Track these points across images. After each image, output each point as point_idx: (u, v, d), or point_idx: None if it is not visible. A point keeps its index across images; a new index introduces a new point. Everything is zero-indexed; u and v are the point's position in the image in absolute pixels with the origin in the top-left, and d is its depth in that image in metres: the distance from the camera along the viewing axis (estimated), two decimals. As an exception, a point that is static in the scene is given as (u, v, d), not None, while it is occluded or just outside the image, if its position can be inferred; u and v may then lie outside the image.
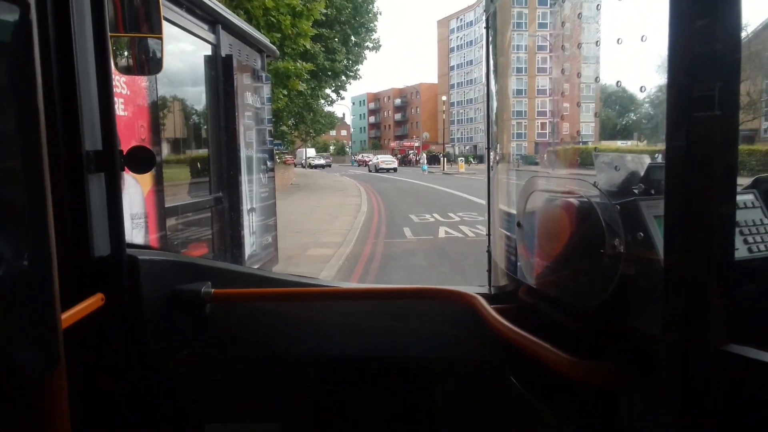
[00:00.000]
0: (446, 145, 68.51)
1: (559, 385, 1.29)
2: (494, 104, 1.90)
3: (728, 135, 0.89)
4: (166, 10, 3.89)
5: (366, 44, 31.26)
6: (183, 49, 4.82)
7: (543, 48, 2.02)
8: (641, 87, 1.25)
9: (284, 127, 26.87)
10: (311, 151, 73.77)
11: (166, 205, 4.21)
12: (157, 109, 4.19)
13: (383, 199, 23.06)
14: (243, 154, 5.61)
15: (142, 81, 3.84)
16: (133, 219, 3.66)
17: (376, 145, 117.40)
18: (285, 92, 19.66)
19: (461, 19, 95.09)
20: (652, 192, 1.21)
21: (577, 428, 1.36)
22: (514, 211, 1.59)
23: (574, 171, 1.59)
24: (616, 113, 1.74)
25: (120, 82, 3.52)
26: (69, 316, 1.38)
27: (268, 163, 6.58)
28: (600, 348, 1.19)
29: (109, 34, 1.63)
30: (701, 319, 0.93)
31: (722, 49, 0.88)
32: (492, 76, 1.91)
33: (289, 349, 1.96)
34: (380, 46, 32.02)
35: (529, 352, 1.29)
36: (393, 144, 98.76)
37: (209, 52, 5.13)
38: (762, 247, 1.25)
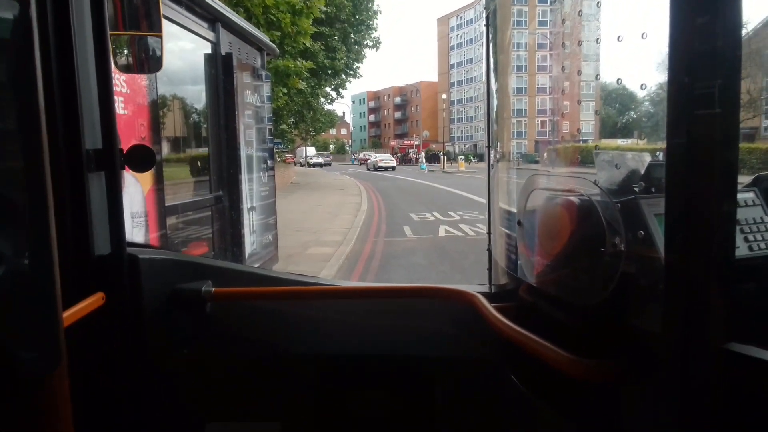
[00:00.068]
0: (446, 144, 68.53)
1: (559, 383, 1.29)
2: (494, 102, 1.90)
3: (729, 133, 0.89)
4: (166, 8, 3.89)
5: (366, 42, 31.25)
6: (183, 48, 4.81)
7: (543, 46, 2.02)
8: (642, 85, 1.25)
9: (284, 126, 26.85)
10: (311, 150, 73.72)
11: (166, 204, 4.21)
12: (157, 107, 4.18)
13: (383, 198, 23.06)
14: (243, 152, 5.60)
15: (142, 79, 3.83)
16: (133, 218, 3.66)
17: (376, 144, 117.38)
18: (285, 90, 19.65)
19: (461, 17, 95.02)
20: (653, 190, 1.21)
21: (578, 427, 1.36)
22: (514, 210, 1.59)
23: (575, 169, 1.59)
24: (617, 111, 1.74)
25: (120, 80, 3.52)
26: (69, 315, 1.38)
27: (268, 162, 6.58)
28: (600, 346, 1.18)
29: (109, 32, 1.63)
30: (702, 318, 0.93)
31: (723, 47, 0.88)
32: (492, 74, 1.91)
33: (290, 347, 1.96)
34: (380, 44, 32.02)
35: (530, 350, 1.29)
36: (393, 142, 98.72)
37: (209, 51, 5.12)
38: (762, 245, 1.25)
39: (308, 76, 21.80)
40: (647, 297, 1.11)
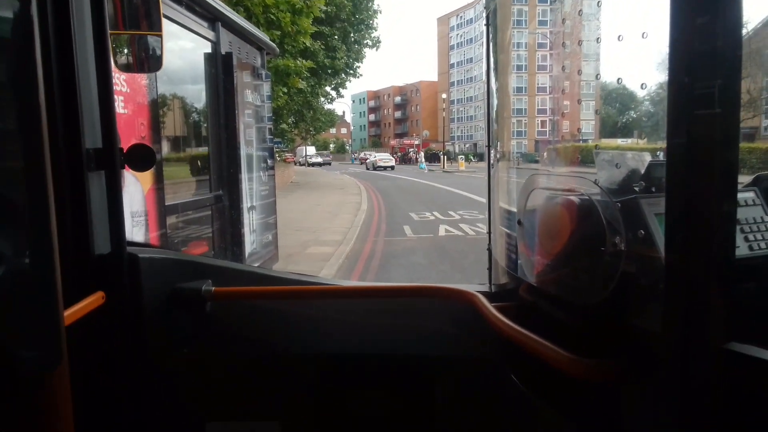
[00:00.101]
0: (446, 143, 68.51)
1: (559, 383, 1.29)
2: (494, 102, 1.90)
3: (729, 133, 0.89)
4: (166, 7, 3.89)
5: (366, 42, 31.23)
6: (183, 47, 4.81)
7: (543, 45, 2.02)
8: (642, 84, 1.25)
9: (284, 125, 26.86)
10: (311, 149, 73.65)
11: (166, 203, 4.21)
12: (157, 107, 4.18)
13: (383, 197, 23.05)
14: (243, 152, 5.60)
15: (142, 79, 3.83)
16: (133, 217, 3.66)
17: (376, 143, 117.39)
18: (285, 90, 19.64)
19: (461, 17, 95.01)
20: (653, 190, 1.21)
21: (578, 426, 1.36)
22: (514, 209, 1.59)
23: (575, 169, 1.59)
24: (617, 111, 1.73)
25: (120, 79, 3.51)
26: (69, 314, 1.38)
27: (268, 161, 6.57)
28: (600, 346, 1.18)
29: (109, 31, 1.63)
30: (702, 317, 0.93)
31: (723, 47, 0.88)
32: (492, 73, 1.91)
33: (290, 347, 1.96)
34: (379, 43, 32.00)
35: (530, 350, 1.29)
36: (393, 142, 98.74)
37: (209, 50, 5.12)
38: (763, 244, 1.25)
39: (308, 75, 21.80)
40: (647, 296, 1.11)
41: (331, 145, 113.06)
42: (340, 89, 32.44)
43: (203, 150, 5.29)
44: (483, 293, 1.68)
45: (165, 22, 1.96)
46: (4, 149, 0.95)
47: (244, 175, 5.64)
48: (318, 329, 1.95)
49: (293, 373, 1.95)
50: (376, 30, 31.78)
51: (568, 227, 1.31)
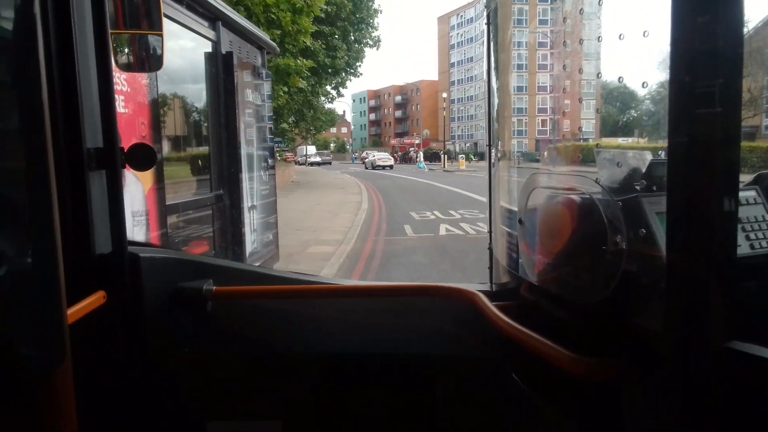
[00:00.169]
0: (447, 143, 68.51)
1: (560, 382, 1.29)
2: (495, 101, 1.90)
3: (730, 132, 0.89)
4: (167, 6, 3.89)
5: (366, 41, 31.21)
6: (183, 46, 4.81)
7: (544, 44, 2.02)
8: (643, 83, 1.24)
9: (285, 125, 26.85)
10: (311, 149, 73.59)
11: (167, 203, 4.21)
12: (157, 106, 4.18)
13: (384, 197, 23.05)
14: (244, 151, 5.60)
15: (143, 78, 3.83)
16: (134, 216, 3.66)
17: (377, 143, 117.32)
18: (285, 89, 19.65)
19: (461, 16, 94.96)
20: (654, 189, 1.21)
21: (579, 425, 1.36)
22: (515, 208, 1.59)
23: (576, 168, 1.59)
24: (617, 110, 1.73)
25: (120, 79, 3.51)
26: (70, 313, 1.38)
27: (269, 161, 6.57)
28: (602, 345, 1.18)
29: (110, 31, 1.63)
30: (703, 316, 0.93)
31: (724, 46, 0.88)
32: (493, 72, 1.91)
33: (291, 346, 1.96)
34: (380, 42, 31.96)
35: (531, 349, 1.29)
36: (393, 141, 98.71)
37: (209, 49, 5.12)
38: (764, 243, 1.25)
39: (308, 74, 21.79)
40: (649, 295, 1.11)
41: (332, 145, 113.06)
42: (341, 88, 32.43)
43: (204, 149, 5.30)
44: (484, 292, 1.68)
45: (165, 21, 1.96)
46: (7, 149, 0.95)
47: (244, 175, 5.64)
48: (319, 328, 1.95)
49: (294, 372, 1.95)
50: (376, 29, 31.79)
51: (569, 226, 1.31)
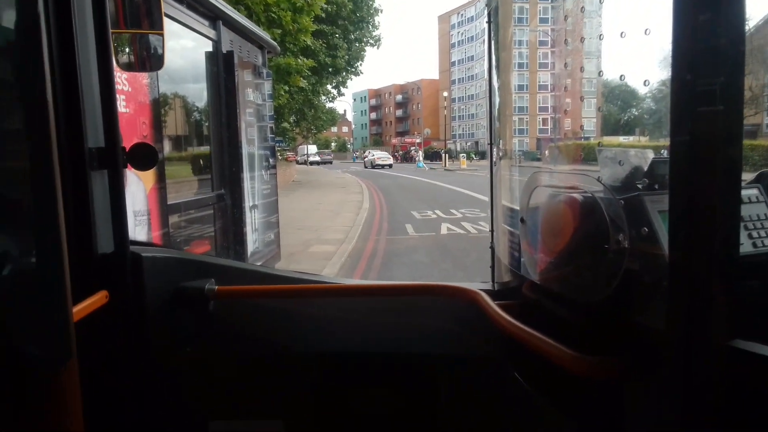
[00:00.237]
0: (448, 142, 68.50)
1: (562, 380, 1.29)
2: (496, 100, 1.89)
3: (732, 130, 0.89)
4: (167, 6, 3.89)
5: (367, 40, 31.17)
6: (184, 46, 4.81)
7: (545, 43, 2.02)
8: (645, 81, 1.24)
9: (286, 124, 26.83)
10: (312, 148, 73.65)
11: (168, 202, 4.21)
12: (158, 105, 4.18)
13: (385, 196, 23.04)
14: (245, 150, 5.60)
15: (144, 78, 3.83)
16: (135, 216, 3.66)
17: (378, 142, 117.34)
18: (286, 88, 19.64)
19: (462, 15, 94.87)
20: (656, 187, 1.21)
21: (581, 424, 1.36)
22: (517, 207, 1.59)
23: (577, 166, 1.59)
24: (619, 108, 1.73)
25: (121, 78, 3.52)
26: (73, 313, 1.38)
27: (270, 160, 6.57)
28: (604, 343, 1.18)
29: (111, 30, 1.63)
30: (705, 315, 0.92)
31: (726, 44, 0.88)
32: (494, 71, 1.91)
33: (293, 345, 1.96)
34: (380, 41, 31.92)
35: (533, 348, 1.29)
36: (395, 140, 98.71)
37: (210, 49, 5.12)
38: (767, 242, 1.24)
39: (309, 74, 21.78)
40: (651, 294, 1.11)
41: (333, 144, 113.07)
42: (342, 87, 32.42)
43: (205, 149, 5.30)
44: (486, 291, 1.68)
45: (166, 20, 1.96)
46: (11, 149, 0.95)
47: (245, 174, 5.64)
48: (321, 328, 1.95)
49: (296, 371, 1.95)
50: (377, 28, 31.76)
51: (571, 225, 1.31)
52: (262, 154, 6.26)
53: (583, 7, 1.44)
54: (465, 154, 56.75)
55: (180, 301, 1.78)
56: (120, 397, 1.70)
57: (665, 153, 1.18)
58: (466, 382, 1.90)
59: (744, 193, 1.27)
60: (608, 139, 1.68)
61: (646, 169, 1.27)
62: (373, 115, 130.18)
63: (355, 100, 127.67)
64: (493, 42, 1.89)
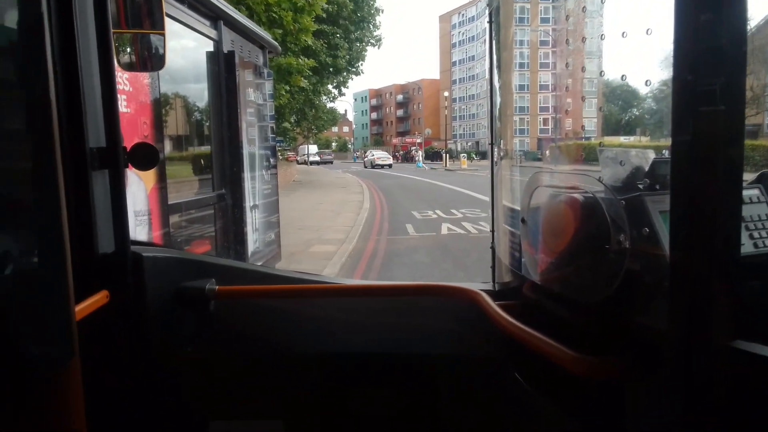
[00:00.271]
0: (448, 142, 68.54)
1: (563, 381, 1.29)
2: (497, 100, 1.89)
3: (733, 130, 0.89)
4: (168, 6, 3.89)
5: (368, 40, 31.16)
6: (185, 46, 4.81)
7: (546, 43, 2.02)
8: (646, 81, 1.24)
9: (286, 124, 26.83)
10: (313, 148, 73.71)
11: (169, 202, 4.21)
12: (159, 105, 4.19)
13: (385, 196, 23.04)
14: (245, 150, 5.60)
15: (145, 78, 3.83)
16: (136, 216, 3.66)
17: (379, 142, 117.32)
18: (287, 88, 19.64)
19: (463, 15, 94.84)
20: (657, 187, 1.21)
21: (582, 424, 1.36)
22: (518, 207, 1.59)
23: (578, 166, 1.59)
24: (620, 108, 1.73)
25: (122, 78, 3.52)
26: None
27: (271, 160, 6.58)
28: (604, 344, 1.18)
29: (112, 30, 1.63)
30: (707, 315, 0.92)
31: (727, 43, 0.88)
32: (495, 71, 1.90)
33: (293, 345, 1.96)
34: (381, 41, 31.90)
35: (534, 348, 1.29)
36: (395, 140, 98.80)
37: (211, 49, 5.12)
38: None
39: (310, 73, 21.78)
40: (652, 294, 1.11)
41: (334, 144, 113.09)
42: (342, 87, 32.41)
43: (206, 149, 5.30)
44: (486, 291, 1.68)
45: (167, 20, 1.96)
46: (14, 149, 0.95)
47: (246, 174, 5.64)
48: (321, 328, 1.95)
49: (297, 371, 1.95)
50: (378, 28, 31.74)
51: (572, 225, 1.31)
52: (263, 154, 6.26)
53: (584, 7, 1.43)
54: (466, 154, 56.81)
55: (180, 301, 1.78)
56: (120, 397, 1.70)
57: (666, 153, 1.18)
58: (467, 382, 1.89)
59: (745, 193, 1.27)
60: (609, 139, 1.68)
61: (647, 169, 1.27)
62: (374, 115, 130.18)
63: (356, 99, 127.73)
64: (494, 42, 1.89)
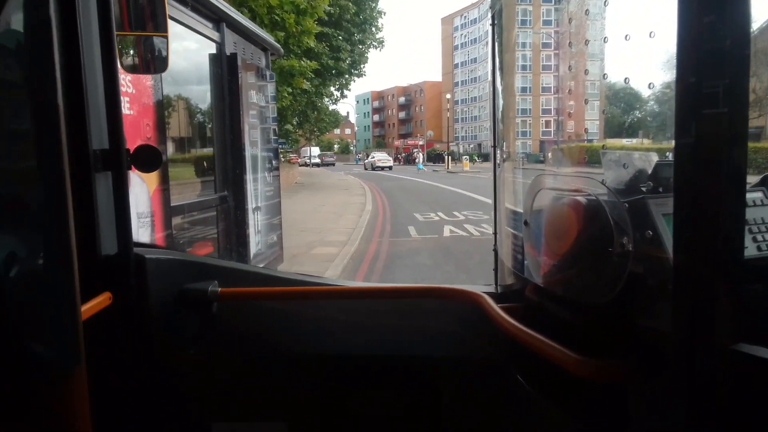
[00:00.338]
0: (450, 144, 68.58)
1: (566, 383, 1.28)
2: (500, 102, 1.90)
3: (737, 132, 0.89)
4: (171, 8, 3.89)
5: (370, 42, 31.18)
6: (188, 48, 4.82)
7: (548, 45, 2.02)
8: (649, 84, 1.24)
9: (288, 126, 26.85)
10: (315, 150, 73.76)
11: (171, 204, 4.22)
12: (162, 107, 4.20)
13: (388, 198, 23.04)
14: (248, 152, 5.61)
15: (148, 80, 3.84)
16: (139, 218, 3.67)
17: (381, 144, 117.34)
18: (289, 90, 19.66)
19: (465, 17, 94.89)
20: (661, 190, 1.21)
21: (585, 427, 1.36)
22: (520, 210, 1.59)
23: (581, 169, 1.59)
24: (622, 111, 1.73)
25: (126, 80, 3.53)
26: None
27: (273, 162, 6.59)
28: (607, 346, 1.18)
29: (115, 33, 1.64)
30: (709, 318, 0.92)
31: (730, 46, 0.88)
32: (498, 73, 1.91)
33: (295, 347, 1.96)
34: (383, 43, 31.92)
35: (536, 350, 1.29)
36: (397, 142, 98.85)
37: (214, 51, 5.14)
38: None
39: (312, 76, 21.81)
40: (655, 297, 1.11)
41: (336, 146, 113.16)
42: (345, 90, 32.44)
43: (208, 151, 5.32)
44: (489, 294, 1.68)
45: (170, 23, 1.97)
46: (20, 152, 0.96)
47: (248, 176, 5.65)
48: (324, 330, 1.95)
49: (299, 373, 1.95)
50: (380, 30, 31.77)
51: (575, 228, 1.31)
52: (265, 156, 6.28)
53: (587, 10, 1.44)
54: (468, 157, 56.84)
55: (183, 303, 1.78)
56: (123, 399, 1.70)
57: (670, 156, 1.18)
58: (469, 384, 1.89)
59: (748, 195, 1.27)
60: (612, 142, 1.68)
61: (650, 172, 1.27)
62: (376, 117, 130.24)
63: (358, 102, 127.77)
64: (496, 44, 1.90)
